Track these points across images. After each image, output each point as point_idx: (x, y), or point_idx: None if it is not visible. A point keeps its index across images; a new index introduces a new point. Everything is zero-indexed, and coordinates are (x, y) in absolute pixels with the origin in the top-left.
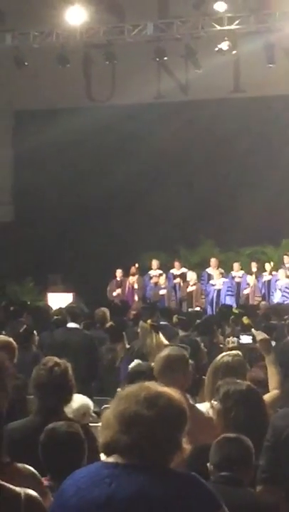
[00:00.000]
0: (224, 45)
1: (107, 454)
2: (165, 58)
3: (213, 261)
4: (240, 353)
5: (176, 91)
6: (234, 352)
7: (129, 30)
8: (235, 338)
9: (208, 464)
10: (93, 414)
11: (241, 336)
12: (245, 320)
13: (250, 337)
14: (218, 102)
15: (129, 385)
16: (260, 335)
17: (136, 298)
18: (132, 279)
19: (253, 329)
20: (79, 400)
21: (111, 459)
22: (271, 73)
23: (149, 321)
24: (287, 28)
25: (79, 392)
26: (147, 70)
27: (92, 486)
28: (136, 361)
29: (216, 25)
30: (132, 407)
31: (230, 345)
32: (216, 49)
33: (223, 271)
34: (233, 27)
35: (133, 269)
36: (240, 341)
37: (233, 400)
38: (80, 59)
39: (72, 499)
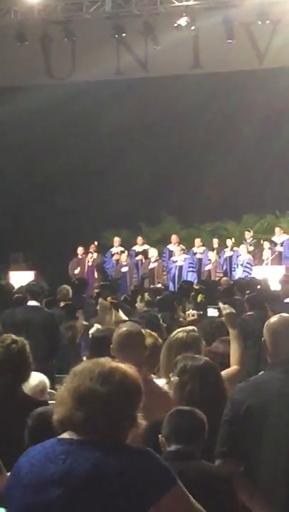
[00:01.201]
0: (183, 21)
1: (62, 431)
2: (124, 35)
3: (173, 237)
4: (195, 328)
5: (136, 67)
6: (189, 328)
7: (87, 7)
8: (194, 311)
9: (159, 436)
10: (53, 391)
11: (208, 309)
12: (200, 297)
13: (216, 310)
14: (177, 78)
15: (92, 351)
16: (227, 309)
17: (96, 275)
18: (92, 257)
19: (220, 303)
20: (36, 377)
21: (66, 435)
22: (230, 49)
23: (109, 298)
24: (246, 3)
25: (39, 370)
26: (106, 47)
27: (48, 463)
28: (95, 326)
29: (174, 1)
30: (86, 383)
31: (191, 318)
32: (175, 25)
33: (184, 247)
34: (191, 3)
35: (93, 247)
36: (207, 314)
37: (189, 374)
38: (39, 36)
39: (27, 476)
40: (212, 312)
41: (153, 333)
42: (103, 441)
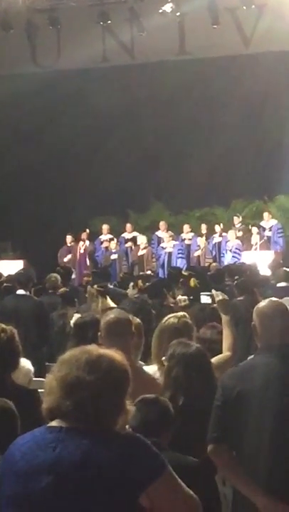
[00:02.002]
0: (168, 7)
1: (51, 419)
2: (109, 22)
3: (162, 224)
4: (186, 314)
5: (122, 54)
6: (180, 313)
7: None
8: (185, 297)
9: (126, 427)
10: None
11: (201, 296)
12: (192, 282)
13: (209, 297)
14: (163, 64)
15: (75, 338)
16: (219, 295)
17: (88, 263)
18: (83, 245)
19: (213, 290)
20: (22, 365)
21: (55, 423)
22: (216, 34)
23: (95, 286)
24: None
25: (30, 359)
26: (92, 34)
27: (38, 451)
28: (76, 315)
29: None
30: (74, 371)
31: (182, 304)
32: (160, 11)
33: (172, 234)
34: None
35: (84, 234)
36: (201, 301)
37: (176, 360)
38: (24, 24)
39: (18, 464)
40: (205, 299)
41: (136, 318)
42: (93, 428)
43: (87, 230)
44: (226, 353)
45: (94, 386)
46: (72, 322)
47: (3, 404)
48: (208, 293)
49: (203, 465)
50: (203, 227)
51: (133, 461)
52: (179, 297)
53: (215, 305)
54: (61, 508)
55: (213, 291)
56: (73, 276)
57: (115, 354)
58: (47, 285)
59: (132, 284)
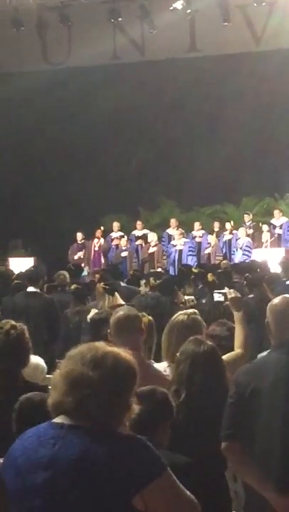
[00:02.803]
0: (178, 4)
1: (55, 415)
2: (120, 19)
3: (172, 221)
4: (196, 311)
5: (133, 51)
6: (190, 310)
7: None
8: (192, 297)
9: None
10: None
11: (215, 295)
12: (210, 277)
13: (222, 295)
14: (174, 61)
15: (92, 334)
16: (232, 293)
17: (102, 261)
18: (98, 242)
19: (226, 287)
20: (35, 362)
21: (58, 420)
22: (226, 31)
23: (101, 284)
24: None
25: (40, 356)
26: (102, 31)
27: (39, 446)
28: (93, 310)
29: None
30: (78, 368)
31: (190, 304)
32: (171, 8)
33: (183, 231)
34: None
35: (99, 232)
36: (214, 299)
37: (185, 356)
38: (34, 22)
39: (19, 459)
40: (217, 297)
41: (147, 315)
42: (94, 426)
43: (102, 228)
44: (237, 350)
45: (96, 383)
46: (88, 317)
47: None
48: (221, 291)
49: (199, 463)
50: (216, 225)
51: (130, 462)
52: (186, 297)
53: (227, 302)
54: (56, 504)
55: (226, 289)
56: (86, 273)
57: (123, 352)
58: (56, 283)
59: (144, 281)
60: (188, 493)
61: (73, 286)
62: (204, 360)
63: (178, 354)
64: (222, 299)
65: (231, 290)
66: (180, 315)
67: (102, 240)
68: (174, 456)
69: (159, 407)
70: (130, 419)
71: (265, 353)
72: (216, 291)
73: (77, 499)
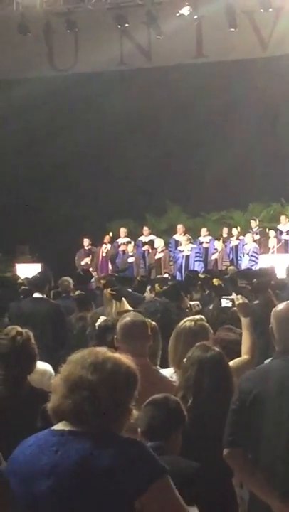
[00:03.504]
0: (185, 10)
1: (56, 420)
2: (126, 25)
3: (179, 227)
4: (203, 317)
5: (139, 57)
6: (197, 316)
7: None
8: (198, 302)
9: (138, 430)
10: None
11: (222, 300)
12: (216, 281)
13: (229, 301)
14: (180, 67)
15: (98, 341)
16: (240, 299)
17: (110, 267)
18: (105, 248)
19: (233, 293)
20: (42, 368)
21: (58, 426)
22: (233, 37)
23: (108, 290)
24: None
25: (47, 361)
26: (109, 37)
27: (40, 454)
28: (102, 317)
29: None
30: (78, 371)
31: (196, 309)
32: (177, 14)
33: (190, 237)
34: None
35: (107, 238)
36: (221, 305)
37: (191, 362)
38: (41, 28)
39: (21, 467)
40: (225, 303)
41: (152, 321)
42: (95, 431)
43: (110, 234)
44: (244, 356)
45: (94, 386)
46: (96, 324)
47: None
48: (229, 297)
49: (215, 468)
50: (225, 231)
51: (131, 467)
52: (192, 303)
53: (234, 308)
54: (60, 510)
55: (234, 295)
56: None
57: (123, 358)
58: (60, 289)
59: (149, 287)
60: (181, 501)
61: (77, 292)
62: (211, 366)
63: (184, 360)
64: (230, 304)
65: (239, 296)
66: (187, 321)
67: (109, 246)
68: (186, 462)
69: (172, 414)
70: (143, 426)
71: (270, 360)
72: (223, 296)
73: (81, 504)
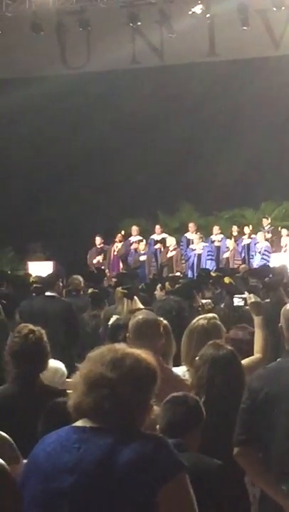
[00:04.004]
0: (197, 9)
1: (76, 417)
2: (139, 23)
3: (191, 225)
4: (216, 316)
5: (151, 56)
6: (210, 315)
7: None
8: (210, 300)
9: (157, 427)
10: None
11: (234, 299)
12: (227, 280)
13: (242, 300)
14: (193, 65)
15: (111, 340)
16: (252, 298)
17: (121, 265)
18: (117, 247)
19: (246, 292)
20: (54, 366)
21: (80, 423)
22: (246, 36)
23: (119, 288)
24: None
25: (59, 359)
26: (121, 36)
27: (63, 452)
28: (114, 316)
29: None
30: (97, 368)
31: (208, 308)
32: (190, 12)
33: (201, 235)
34: None
35: (119, 237)
36: (234, 304)
37: (204, 360)
38: (54, 26)
39: (43, 464)
40: (237, 301)
41: (163, 320)
42: (116, 428)
43: (122, 232)
44: (256, 355)
45: (114, 383)
46: (109, 323)
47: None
48: (242, 296)
49: (228, 467)
50: (234, 229)
51: (153, 462)
52: (204, 301)
53: (247, 307)
54: (82, 507)
55: (246, 294)
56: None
57: (143, 353)
58: (70, 287)
59: (159, 285)
60: (194, 502)
61: (90, 290)
62: (223, 364)
63: (197, 358)
64: (242, 303)
65: (251, 295)
66: (200, 319)
67: (120, 245)
68: (208, 459)
69: (191, 412)
70: (163, 423)
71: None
72: (236, 295)
73: (104, 501)
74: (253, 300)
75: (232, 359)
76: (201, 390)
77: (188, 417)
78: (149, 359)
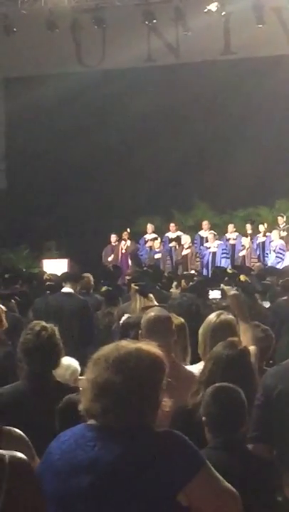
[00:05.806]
0: (213, 7)
1: (89, 418)
2: (154, 21)
3: (205, 223)
4: (229, 312)
5: (167, 54)
6: (225, 312)
7: None
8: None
9: (203, 419)
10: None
11: (210, 292)
12: (243, 277)
13: (219, 292)
14: (208, 63)
15: (122, 338)
16: (231, 290)
17: (130, 263)
18: (125, 244)
19: (222, 284)
20: (66, 363)
21: (94, 421)
22: (261, 34)
23: (132, 285)
24: None
25: (74, 357)
26: (137, 34)
27: (78, 449)
28: (126, 315)
29: None
30: (103, 373)
31: (223, 305)
32: (205, 10)
33: (215, 233)
34: None
35: (125, 234)
36: (209, 296)
37: (210, 356)
38: (69, 24)
39: (58, 462)
40: (214, 294)
41: (179, 317)
42: (130, 426)
43: (128, 230)
44: (250, 347)
45: (120, 388)
46: (121, 322)
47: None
48: (217, 288)
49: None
50: (248, 227)
51: (170, 459)
52: (226, 287)
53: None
54: (102, 506)
55: (223, 286)
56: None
57: (147, 347)
58: (81, 285)
59: (175, 283)
60: (226, 484)
61: (104, 288)
62: (227, 364)
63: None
64: (218, 295)
65: (229, 287)
66: (215, 316)
67: (128, 242)
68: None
69: (243, 405)
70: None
71: None
72: (208, 288)
73: (123, 500)
74: (232, 293)
75: (238, 359)
76: (201, 386)
77: (237, 411)
78: (153, 352)
